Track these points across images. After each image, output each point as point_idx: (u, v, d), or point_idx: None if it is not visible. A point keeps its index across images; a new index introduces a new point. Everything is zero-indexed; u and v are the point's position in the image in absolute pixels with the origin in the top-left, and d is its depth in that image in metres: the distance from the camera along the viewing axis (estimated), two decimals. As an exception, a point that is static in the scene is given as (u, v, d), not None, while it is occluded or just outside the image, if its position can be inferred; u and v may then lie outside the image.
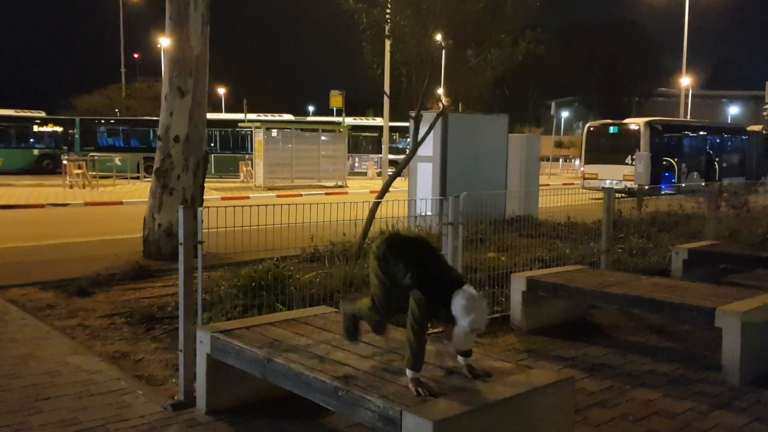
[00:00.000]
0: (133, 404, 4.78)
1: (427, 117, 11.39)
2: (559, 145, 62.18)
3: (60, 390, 5.02)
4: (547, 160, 48.15)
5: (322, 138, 31.23)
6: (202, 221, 5.02)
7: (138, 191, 23.58)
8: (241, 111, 39.79)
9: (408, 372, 3.63)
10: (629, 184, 23.34)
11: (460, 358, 3.86)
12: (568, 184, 30.94)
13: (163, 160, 10.39)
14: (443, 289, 3.64)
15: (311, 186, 28.85)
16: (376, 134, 37.56)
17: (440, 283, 3.71)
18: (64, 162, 26.49)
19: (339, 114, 38.83)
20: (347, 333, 4.41)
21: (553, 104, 63.65)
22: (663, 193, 19.81)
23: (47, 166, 34.57)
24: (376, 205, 9.26)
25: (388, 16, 9.94)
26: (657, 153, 25.37)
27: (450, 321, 3.59)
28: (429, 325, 3.88)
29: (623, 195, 19.72)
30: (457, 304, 3.54)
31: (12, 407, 4.69)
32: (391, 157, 31.28)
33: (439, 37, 11.15)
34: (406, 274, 3.79)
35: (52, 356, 5.81)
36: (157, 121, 10.86)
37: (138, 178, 29.81)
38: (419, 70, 10.19)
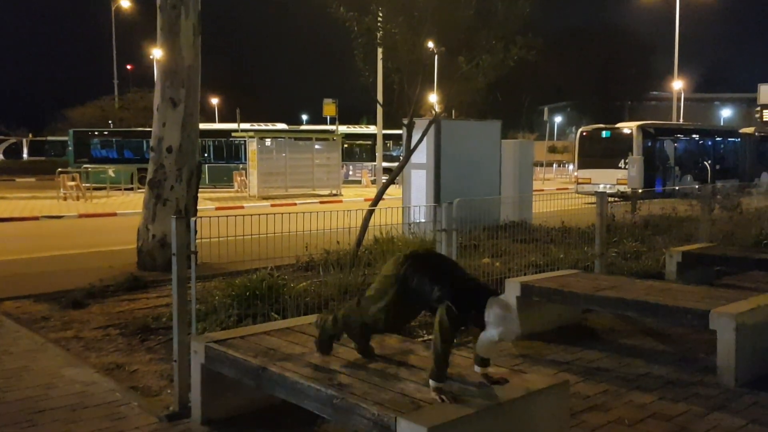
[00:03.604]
0: (129, 416, 4.76)
1: (420, 124, 11.40)
2: (552, 150, 62.34)
3: (55, 402, 5.01)
4: (541, 165, 48.31)
5: (316, 147, 31.26)
6: (196, 231, 5.02)
7: (132, 202, 23.55)
8: (234, 121, 39.81)
9: (431, 382, 3.61)
10: (622, 188, 23.42)
11: (476, 368, 3.83)
12: (562, 189, 31.05)
13: (156, 171, 10.38)
14: (471, 296, 3.66)
15: (306, 195, 28.86)
16: (369, 142, 37.60)
17: (468, 291, 3.72)
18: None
19: (332, 122, 38.88)
20: (322, 347, 4.35)
21: (546, 109, 63.77)
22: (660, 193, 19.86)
23: None
24: (370, 213, 9.27)
25: (379, 23, 9.95)
26: (650, 157, 25.47)
27: (479, 325, 3.59)
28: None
29: (617, 199, 19.77)
30: (493, 312, 3.54)
31: (6, 420, 4.67)
32: (385, 164, 31.38)
33: (431, 44, 11.18)
34: (434, 288, 3.77)
35: (47, 368, 5.79)
36: (150, 132, 10.85)
37: (132, 189, 29.77)
38: (411, 77, 10.20)
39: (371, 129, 38.18)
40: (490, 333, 3.53)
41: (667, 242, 10.82)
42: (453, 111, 23.72)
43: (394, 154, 37.17)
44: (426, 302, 3.85)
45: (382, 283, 4.04)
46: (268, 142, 30.45)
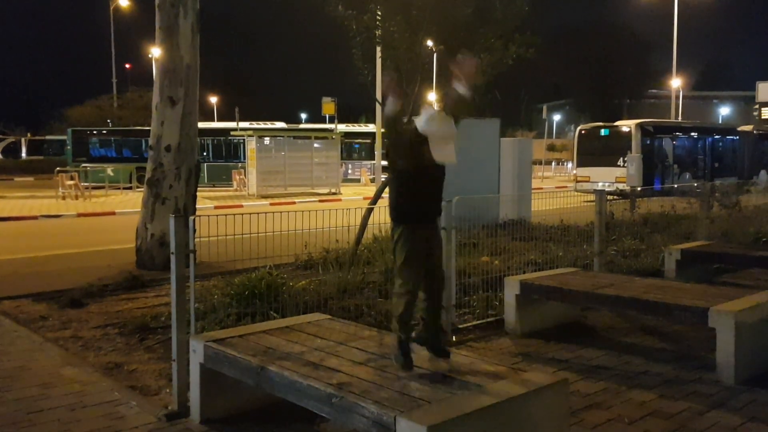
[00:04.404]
0: (127, 415, 4.75)
1: (419, 122, 11.39)
2: (551, 148, 62.36)
3: (53, 402, 5.00)
4: (540, 163, 48.32)
5: (315, 145, 31.24)
6: (195, 230, 5.01)
7: (131, 201, 23.53)
8: (233, 119, 39.77)
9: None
10: (621, 186, 23.40)
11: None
12: (561, 187, 31.01)
13: (155, 170, 10.36)
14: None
15: (305, 193, 28.84)
16: (368, 140, 37.59)
17: None
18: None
19: (331, 121, 38.83)
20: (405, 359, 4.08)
21: (544, 107, 63.77)
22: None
23: None
24: (369, 211, 9.26)
25: (378, 22, 9.95)
26: (649, 155, 25.46)
27: (423, 141, 4.01)
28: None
29: (616, 197, 19.77)
30: (419, 119, 4.08)
31: (5, 420, 4.66)
32: (384, 163, 31.30)
33: (429, 42, 11.17)
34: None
35: (45, 368, 5.78)
36: (149, 130, 10.84)
37: (130, 188, 29.75)
38: (410, 76, 10.19)
39: (370, 127, 38.13)
40: (430, 131, 4.00)
41: (666, 240, 10.82)
42: (452, 109, 23.64)
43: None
44: None
45: None
46: (267, 140, 30.42)
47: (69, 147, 34.65)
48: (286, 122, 42.02)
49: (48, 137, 52.67)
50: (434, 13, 9.91)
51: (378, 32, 10.03)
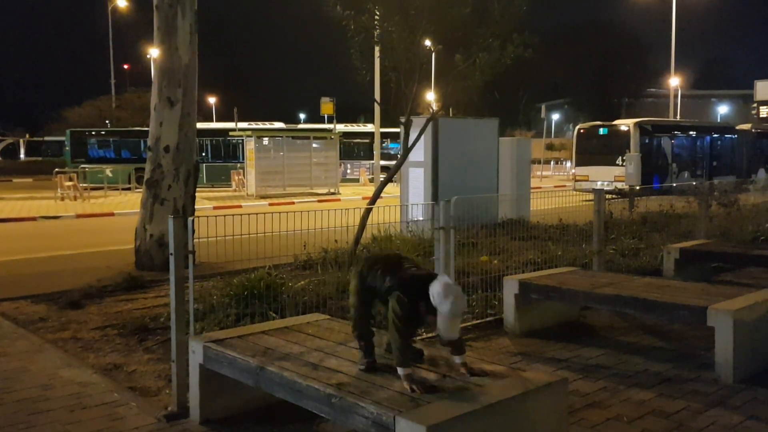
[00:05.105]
0: (127, 416, 4.76)
1: (418, 122, 11.41)
2: (550, 147, 62.31)
3: (53, 403, 5.00)
4: (539, 162, 48.30)
5: (314, 145, 31.22)
6: (194, 231, 5.01)
7: (129, 202, 23.53)
8: (231, 120, 39.74)
9: (399, 371, 3.76)
10: (620, 185, 23.43)
11: (456, 358, 3.94)
12: (560, 186, 31.03)
13: (154, 171, 10.37)
14: (420, 286, 3.81)
15: (304, 193, 28.83)
16: (367, 140, 37.57)
17: (416, 280, 3.89)
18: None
19: (330, 121, 38.82)
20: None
21: (543, 107, 63.72)
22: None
23: None
24: (368, 211, 9.27)
25: (376, 22, 9.95)
26: (647, 153, 25.48)
27: (432, 312, 3.74)
28: (420, 330, 3.88)
29: (614, 196, 19.80)
30: (434, 291, 3.72)
31: (4, 422, 4.66)
32: (383, 162, 31.39)
33: (427, 42, 11.18)
34: (385, 279, 4.01)
35: (45, 369, 5.78)
36: (148, 131, 10.84)
37: (129, 189, 29.73)
38: (408, 76, 10.20)
39: (369, 127, 38.11)
40: (442, 312, 3.69)
41: (664, 239, 10.83)
42: (450, 109, 23.71)
43: (392, 152, 37.12)
44: (379, 295, 4.06)
45: (351, 284, 4.29)
46: (265, 141, 30.41)
47: (67, 148, 34.61)
48: (285, 122, 42.01)
49: (46, 138, 52.66)
50: (432, 13, 9.92)
51: (376, 32, 10.03)
